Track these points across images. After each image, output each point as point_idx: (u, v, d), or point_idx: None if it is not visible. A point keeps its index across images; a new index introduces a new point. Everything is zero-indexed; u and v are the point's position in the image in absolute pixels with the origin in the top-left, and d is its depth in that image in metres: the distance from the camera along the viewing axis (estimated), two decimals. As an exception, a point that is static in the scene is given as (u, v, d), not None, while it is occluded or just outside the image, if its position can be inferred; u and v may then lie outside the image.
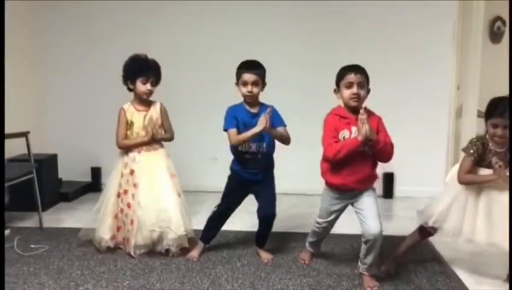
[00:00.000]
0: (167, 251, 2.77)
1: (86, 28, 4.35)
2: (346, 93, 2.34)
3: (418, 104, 4.21)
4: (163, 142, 2.94)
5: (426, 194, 3.67)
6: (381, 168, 4.18)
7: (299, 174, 3.95)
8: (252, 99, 2.60)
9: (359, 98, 2.32)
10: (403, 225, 3.42)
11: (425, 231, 2.53)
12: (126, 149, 2.83)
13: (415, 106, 4.20)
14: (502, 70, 5.42)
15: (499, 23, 5.18)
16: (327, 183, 2.50)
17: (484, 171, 2.34)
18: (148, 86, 2.79)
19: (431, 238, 2.99)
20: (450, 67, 4.19)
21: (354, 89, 2.31)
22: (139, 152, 2.82)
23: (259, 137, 2.55)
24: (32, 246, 2.90)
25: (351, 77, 2.32)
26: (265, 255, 2.78)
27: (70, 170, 4.29)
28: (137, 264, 2.67)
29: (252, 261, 2.75)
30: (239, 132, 2.56)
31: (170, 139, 2.94)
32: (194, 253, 2.78)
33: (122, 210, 2.80)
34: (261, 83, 2.60)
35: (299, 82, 4.20)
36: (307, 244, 2.78)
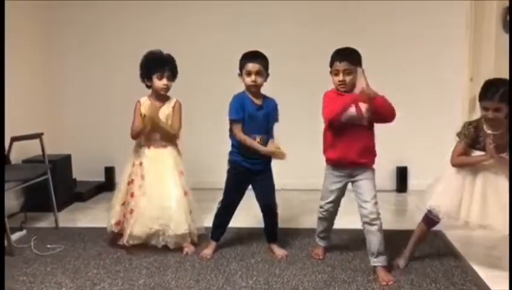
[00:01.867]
0: (165, 246, 2.80)
1: (98, 27, 4.38)
2: (335, 79, 2.46)
3: (431, 96, 4.16)
4: (177, 141, 2.94)
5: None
6: (394, 162, 4.26)
7: (310, 170, 3.93)
8: (255, 89, 2.63)
9: (345, 85, 2.42)
10: (417, 219, 3.40)
11: (429, 220, 2.53)
12: (138, 139, 2.87)
13: (427, 98, 4.16)
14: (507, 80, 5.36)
15: (512, 12, 5.09)
16: (327, 160, 2.57)
17: (478, 154, 2.35)
18: (164, 81, 2.80)
19: (446, 233, 2.99)
20: (463, 58, 4.14)
21: (340, 77, 2.42)
22: (149, 147, 2.84)
23: (263, 128, 2.64)
24: (48, 246, 2.93)
25: (337, 65, 2.43)
26: (279, 252, 2.78)
27: (84, 170, 4.33)
28: (152, 263, 2.68)
29: (266, 258, 2.75)
30: (243, 123, 2.61)
31: (172, 134, 2.86)
32: (207, 251, 2.79)
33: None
34: (264, 73, 2.62)
35: (304, 73, 4.18)
36: (316, 238, 2.79)
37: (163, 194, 2.77)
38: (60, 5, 4.32)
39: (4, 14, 2.92)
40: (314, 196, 3.92)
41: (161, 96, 2.86)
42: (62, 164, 3.89)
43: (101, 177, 4.43)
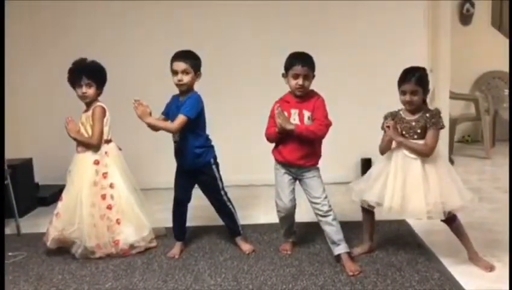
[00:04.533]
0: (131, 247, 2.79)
1: (60, 25, 4.26)
2: (293, 82, 2.49)
3: (393, 89, 4.21)
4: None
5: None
6: (358, 154, 4.32)
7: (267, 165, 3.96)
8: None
9: (303, 89, 2.49)
10: (382, 209, 3.47)
11: (366, 210, 2.62)
12: None
13: (389, 91, 4.19)
14: (472, 52, 5.54)
15: (468, 5, 5.26)
16: (275, 159, 2.65)
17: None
18: (83, 89, 2.78)
19: (410, 222, 3.06)
20: (422, 50, 4.23)
21: (300, 81, 2.47)
22: (76, 151, 2.86)
23: None
24: (9, 254, 2.85)
25: (298, 69, 2.46)
26: (245, 247, 2.79)
27: (47, 174, 4.19)
28: (119, 265, 2.65)
29: (234, 254, 2.75)
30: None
31: (89, 142, 2.79)
32: (174, 250, 2.78)
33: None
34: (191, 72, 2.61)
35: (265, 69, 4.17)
36: (284, 236, 2.81)
37: (72, 207, 2.75)
38: (15, 6, 4.18)
39: (4, 14, 2.82)
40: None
41: (88, 104, 2.85)
42: (23, 168, 3.79)
43: (65, 181, 4.30)
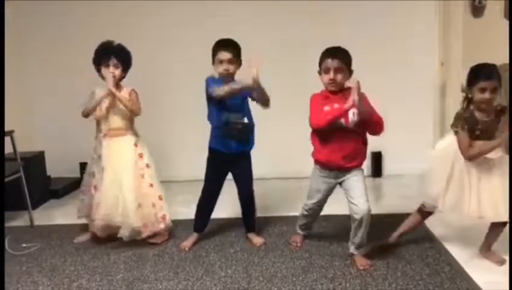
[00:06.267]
0: (143, 239, 2.80)
1: (70, 21, 4.28)
2: (325, 78, 2.40)
3: (403, 82, 4.22)
4: (138, 132, 2.91)
5: (415, 171, 3.68)
6: (369, 148, 4.28)
7: (288, 158, 3.96)
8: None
9: (336, 83, 2.37)
10: (392, 203, 3.48)
11: (425, 212, 2.54)
12: (86, 116, 2.87)
13: (400, 84, 4.21)
14: (484, 45, 5.47)
15: (480, -4, 5.18)
16: (315, 161, 2.54)
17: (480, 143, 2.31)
18: (111, 69, 2.77)
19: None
20: (433, 43, 4.20)
21: (331, 75, 2.36)
22: (104, 137, 2.83)
23: (245, 108, 2.62)
24: (23, 245, 2.89)
25: (329, 62, 2.36)
26: (256, 240, 2.81)
27: (59, 167, 4.25)
28: (130, 257, 2.67)
29: (244, 247, 2.77)
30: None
31: (132, 109, 2.79)
32: (186, 243, 2.79)
33: (89, 190, 2.86)
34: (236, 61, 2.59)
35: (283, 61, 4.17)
36: (297, 228, 2.81)
37: (117, 187, 2.74)
38: (27, 2, 4.21)
39: (4, 14, 2.85)
40: (292, 185, 3.98)
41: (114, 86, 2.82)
42: (35, 161, 3.83)
43: (76, 173, 4.35)
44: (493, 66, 2.31)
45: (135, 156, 2.82)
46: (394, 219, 2.82)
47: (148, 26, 4.22)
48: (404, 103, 4.21)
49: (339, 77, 2.37)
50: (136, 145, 2.85)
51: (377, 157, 4.34)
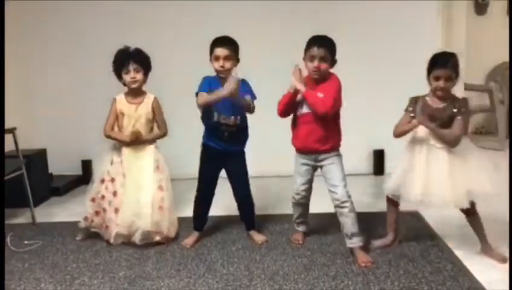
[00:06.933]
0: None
1: (70, 19, 4.27)
2: (309, 65, 2.46)
3: (405, 79, 4.17)
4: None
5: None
6: (371, 146, 4.30)
7: (289, 156, 3.94)
8: (224, 74, 2.58)
9: (320, 72, 2.44)
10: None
11: (391, 200, 2.59)
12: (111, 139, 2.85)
13: (401, 81, 4.18)
14: (487, 42, 5.46)
15: (483, -6, 5.17)
16: (295, 148, 2.64)
17: (421, 127, 2.38)
18: (132, 74, 2.77)
19: (422, 213, 3.05)
20: (436, 40, 4.18)
21: (315, 63, 2.43)
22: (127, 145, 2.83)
23: (236, 108, 2.61)
24: (25, 242, 2.89)
25: (315, 50, 2.42)
26: (258, 238, 2.80)
27: (61, 164, 4.25)
28: (132, 254, 2.67)
29: (246, 244, 2.76)
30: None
31: (161, 136, 2.91)
32: (188, 240, 2.79)
33: (103, 197, 2.81)
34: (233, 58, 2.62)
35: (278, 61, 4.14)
36: (295, 224, 2.82)
37: (137, 192, 2.76)
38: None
39: (4, 14, 2.85)
40: (291, 183, 3.97)
41: (135, 93, 2.85)
42: (37, 159, 3.82)
43: (78, 171, 4.37)
44: (450, 54, 2.37)
45: (153, 165, 2.82)
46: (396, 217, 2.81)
47: (147, 26, 4.21)
48: (406, 100, 4.18)
49: (324, 65, 2.44)
50: (156, 151, 2.88)
51: (379, 155, 4.33)
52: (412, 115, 2.44)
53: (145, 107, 2.84)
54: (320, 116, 2.45)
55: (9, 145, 3.35)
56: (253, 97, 2.66)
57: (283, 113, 2.57)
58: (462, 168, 2.33)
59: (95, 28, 4.25)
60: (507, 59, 5.60)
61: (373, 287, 2.21)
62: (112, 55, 2.84)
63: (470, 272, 2.31)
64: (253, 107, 2.65)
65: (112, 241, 2.77)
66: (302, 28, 4.05)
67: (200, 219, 2.85)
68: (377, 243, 2.63)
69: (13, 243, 2.86)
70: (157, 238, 2.77)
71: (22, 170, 3.21)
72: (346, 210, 2.48)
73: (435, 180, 2.33)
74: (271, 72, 4.03)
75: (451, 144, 2.33)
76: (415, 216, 3.04)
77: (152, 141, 2.90)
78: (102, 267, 2.53)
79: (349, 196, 2.49)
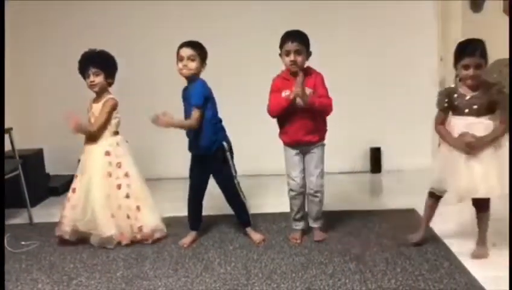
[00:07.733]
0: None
1: (68, 19, 4.27)
2: (286, 59, 2.56)
3: (402, 77, 4.21)
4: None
5: (414, 166, 3.70)
6: (367, 143, 4.30)
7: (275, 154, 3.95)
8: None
9: (296, 64, 2.53)
10: (392, 198, 3.47)
11: (434, 194, 2.54)
12: None
13: (399, 79, 4.20)
14: (483, 39, 5.45)
15: (479, -9, 5.16)
16: (283, 142, 2.72)
17: (459, 120, 2.36)
18: (91, 78, 2.80)
19: (419, 210, 3.05)
20: (432, 38, 4.19)
21: (291, 57, 2.53)
22: (85, 143, 2.88)
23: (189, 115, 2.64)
24: (22, 242, 2.89)
25: (289, 45, 2.53)
26: (256, 236, 2.80)
27: (58, 164, 4.24)
28: (129, 254, 2.67)
29: (244, 243, 2.76)
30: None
31: (89, 131, 2.82)
32: (185, 240, 2.79)
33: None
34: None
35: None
36: (293, 223, 2.82)
37: (84, 199, 2.76)
38: (27, 3, 4.19)
39: (4, 14, 2.84)
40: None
41: (98, 94, 2.86)
42: (34, 159, 3.83)
43: (74, 171, 4.33)
44: (478, 41, 2.32)
45: (108, 166, 2.78)
46: (394, 215, 2.82)
47: (146, 26, 4.21)
48: (404, 98, 4.20)
49: (299, 58, 2.53)
50: (108, 154, 2.80)
51: (376, 153, 4.34)
52: (446, 105, 2.40)
53: (100, 106, 2.84)
54: (308, 110, 2.54)
55: (5, 145, 3.34)
56: (197, 103, 2.60)
57: (278, 115, 2.64)
58: (493, 157, 2.30)
59: (93, 28, 4.24)
60: (504, 56, 5.61)
61: (370, 285, 2.21)
62: (111, 55, 2.86)
63: (466, 269, 2.31)
64: (194, 124, 2.61)
65: (67, 237, 2.79)
66: (302, 28, 4.08)
67: (194, 218, 2.85)
68: (414, 237, 2.60)
69: (10, 244, 2.86)
70: (125, 241, 2.76)
71: (19, 171, 3.21)
72: (317, 199, 2.69)
73: (479, 171, 2.29)
74: (273, 71, 4.05)
75: (503, 135, 2.29)
76: (412, 213, 3.04)
77: (105, 141, 2.83)
78: (100, 268, 2.52)
79: (322, 186, 2.68)
